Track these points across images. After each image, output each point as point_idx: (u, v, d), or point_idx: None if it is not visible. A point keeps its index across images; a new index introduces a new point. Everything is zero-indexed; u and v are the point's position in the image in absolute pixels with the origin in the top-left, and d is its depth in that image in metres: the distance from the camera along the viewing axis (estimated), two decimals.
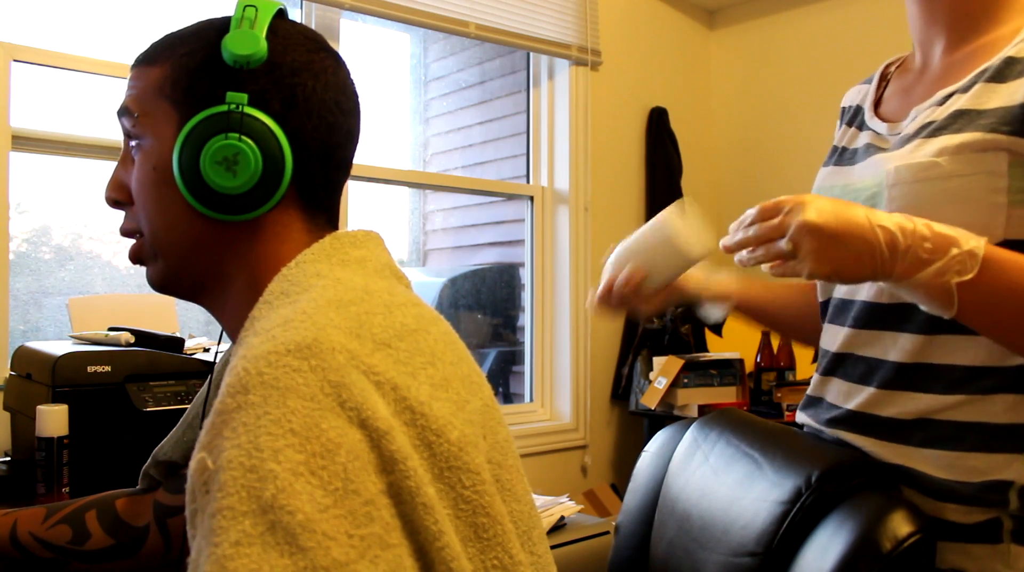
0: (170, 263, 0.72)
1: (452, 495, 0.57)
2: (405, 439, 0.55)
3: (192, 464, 0.53)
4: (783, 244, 0.79)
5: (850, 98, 1.12)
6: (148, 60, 0.72)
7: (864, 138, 1.02)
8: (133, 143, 0.72)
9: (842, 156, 1.05)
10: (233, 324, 0.71)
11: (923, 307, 0.82)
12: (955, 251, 0.76)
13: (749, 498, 0.95)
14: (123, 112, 0.72)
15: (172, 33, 0.73)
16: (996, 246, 0.80)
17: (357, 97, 0.75)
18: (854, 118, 1.07)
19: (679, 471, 1.08)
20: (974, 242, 0.76)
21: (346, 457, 0.52)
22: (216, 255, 0.70)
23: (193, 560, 0.51)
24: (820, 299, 1.07)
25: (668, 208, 0.99)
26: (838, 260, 0.77)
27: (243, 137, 0.66)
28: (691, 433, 1.10)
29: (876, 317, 0.95)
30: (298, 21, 0.72)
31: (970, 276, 0.75)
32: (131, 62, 0.75)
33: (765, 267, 0.83)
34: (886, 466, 0.92)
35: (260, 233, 0.70)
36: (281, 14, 0.72)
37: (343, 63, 0.74)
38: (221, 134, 0.66)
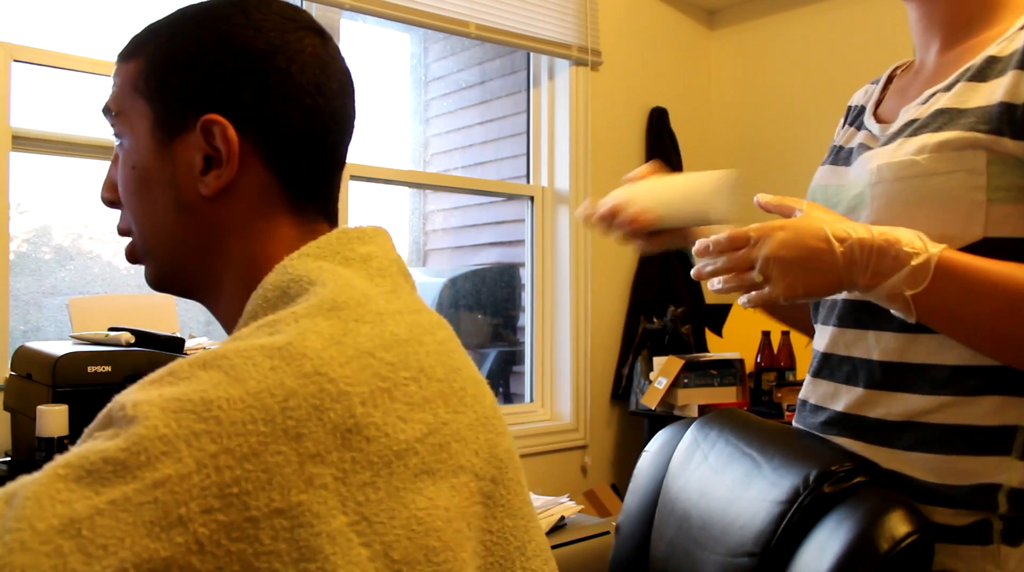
0: (160, 262, 0.71)
1: (405, 513, 0.54)
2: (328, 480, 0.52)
3: (119, 396, 0.52)
4: (754, 275, 0.86)
5: (857, 98, 1.12)
6: (125, 55, 0.69)
7: (859, 138, 1.03)
8: (117, 142, 0.70)
9: (838, 155, 1.06)
10: (228, 321, 0.69)
11: (891, 310, 0.86)
12: (908, 266, 0.81)
13: (747, 498, 0.95)
14: (105, 111, 0.70)
15: (150, 25, 0.69)
16: (970, 251, 0.83)
17: (345, 77, 0.70)
18: (856, 118, 1.08)
19: (679, 471, 1.08)
20: (924, 257, 0.81)
21: (255, 466, 0.49)
22: (203, 254, 0.68)
23: (68, 475, 0.49)
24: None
25: (720, 171, 1.00)
26: (807, 284, 0.84)
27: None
28: (691, 433, 1.10)
29: (858, 315, 0.95)
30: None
31: (921, 288, 0.81)
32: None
33: (742, 299, 0.89)
34: (878, 469, 0.92)
35: (245, 230, 0.67)
36: None
37: (328, 42, 0.69)
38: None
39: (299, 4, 2.28)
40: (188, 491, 0.48)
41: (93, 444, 0.50)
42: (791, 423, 1.08)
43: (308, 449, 0.51)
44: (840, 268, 0.83)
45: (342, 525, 0.51)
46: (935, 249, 0.81)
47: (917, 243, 0.82)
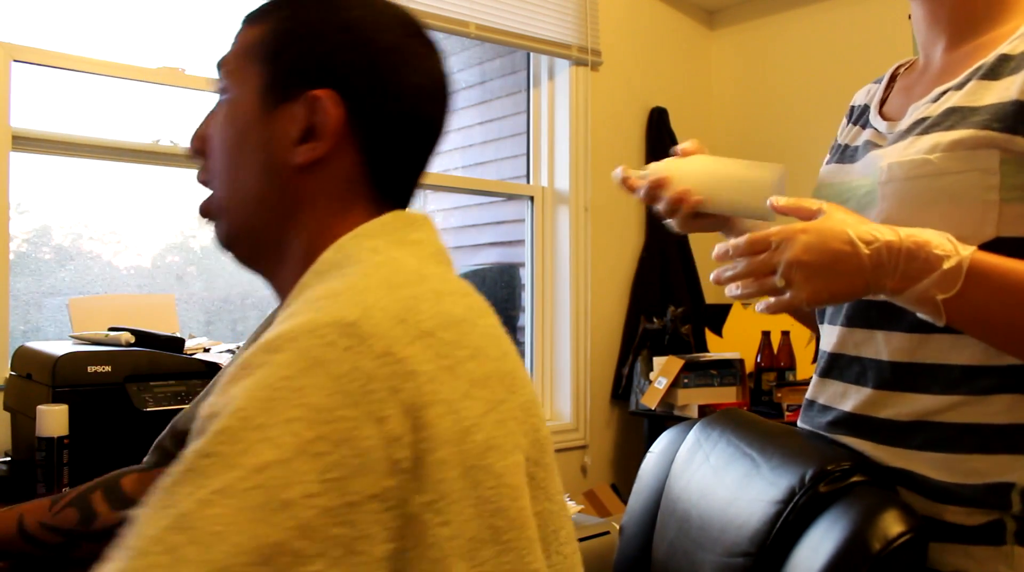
0: (234, 221, 0.72)
1: (474, 494, 0.55)
2: (427, 429, 0.54)
3: (203, 409, 0.52)
4: (776, 280, 0.83)
5: (859, 97, 1.12)
6: (252, 19, 0.73)
7: (865, 135, 1.02)
8: (221, 96, 0.73)
9: (843, 153, 1.05)
10: (284, 291, 0.70)
11: (919, 314, 0.84)
12: (940, 270, 0.79)
13: (746, 498, 0.95)
14: (219, 64, 0.73)
15: None
16: (984, 251, 0.81)
17: (447, 90, 0.73)
18: (860, 117, 1.08)
19: (681, 471, 1.08)
20: (955, 260, 0.79)
21: (349, 451, 0.50)
22: (278, 219, 0.69)
23: (167, 487, 0.49)
24: None
25: (772, 164, 0.97)
26: (831, 288, 0.82)
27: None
28: (694, 433, 1.10)
29: (867, 315, 0.95)
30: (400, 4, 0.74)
31: (953, 292, 0.79)
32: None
33: (760, 305, 0.86)
34: (883, 468, 0.91)
35: (323, 207, 0.69)
36: None
37: (437, 53, 0.73)
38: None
39: None
40: (289, 476, 0.48)
41: (186, 451, 0.51)
42: (792, 423, 1.08)
43: (390, 432, 0.52)
44: (867, 271, 0.80)
45: (421, 506, 0.52)
46: (966, 251, 0.79)
47: (947, 246, 0.80)
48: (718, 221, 1.04)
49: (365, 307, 0.55)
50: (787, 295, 0.83)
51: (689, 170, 1.01)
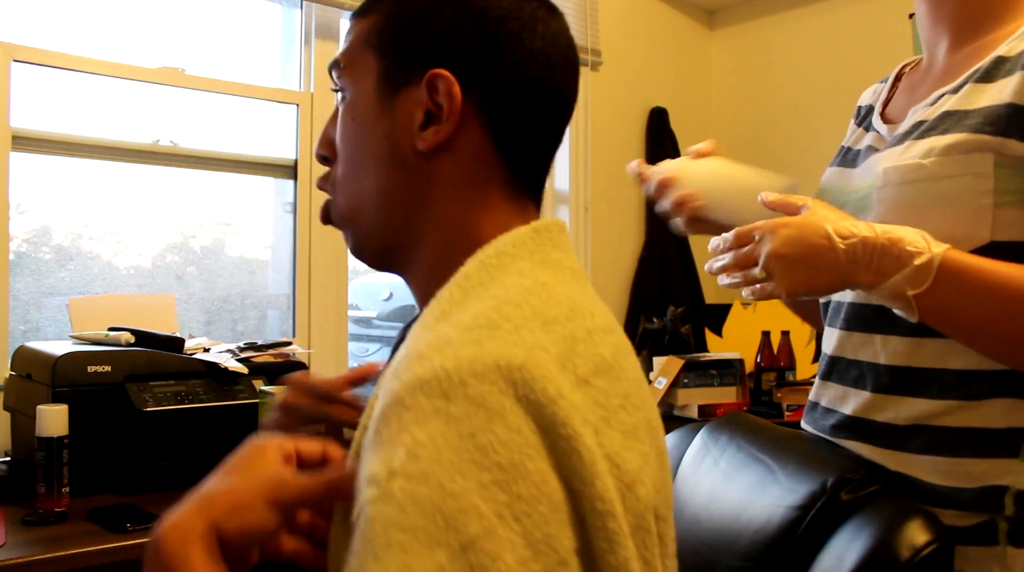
0: (363, 224, 0.69)
1: (639, 554, 0.53)
2: (606, 490, 0.51)
3: (372, 465, 0.48)
4: (757, 271, 0.86)
5: (865, 97, 1.11)
6: (361, 12, 0.70)
7: (867, 139, 1.02)
8: (339, 97, 0.70)
9: (846, 157, 1.05)
10: (425, 287, 0.66)
11: (894, 310, 0.86)
12: (911, 266, 0.81)
13: (762, 504, 0.93)
14: (333, 64, 0.70)
15: None
16: (978, 255, 0.82)
17: (572, 54, 0.69)
18: (864, 118, 1.07)
19: (688, 476, 1.07)
20: (927, 257, 0.80)
21: (547, 508, 0.47)
22: (409, 214, 0.66)
23: (355, 568, 0.46)
24: (820, 301, 1.07)
25: (781, 176, 0.98)
26: (808, 281, 0.84)
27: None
28: (700, 438, 1.09)
29: (864, 319, 0.95)
30: None
31: (924, 288, 0.80)
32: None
33: (746, 292, 0.88)
34: (885, 472, 0.91)
35: (457, 192, 0.65)
36: None
37: (558, 15, 0.68)
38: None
39: (299, 4, 2.28)
40: (497, 546, 0.46)
41: (372, 512, 0.47)
42: (792, 423, 1.08)
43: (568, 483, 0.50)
44: (842, 266, 0.83)
45: (608, 566, 0.50)
46: (938, 249, 0.81)
47: (920, 242, 0.81)
48: (722, 227, 1.04)
49: (527, 348, 0.52)
50: (768, 286, 0.86)
51: (698, 173, 1.01)
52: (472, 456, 0.47)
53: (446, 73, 0.63)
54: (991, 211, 0.84)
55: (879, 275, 0.82)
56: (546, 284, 0.60)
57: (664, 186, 1.02)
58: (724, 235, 0.90)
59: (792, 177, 0.98)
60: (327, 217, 0.73)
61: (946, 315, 0.82)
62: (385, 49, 0.66)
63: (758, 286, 0.87)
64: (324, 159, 0.73)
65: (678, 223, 1.05)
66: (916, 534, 0.81)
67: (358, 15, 0.70)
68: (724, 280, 0.90)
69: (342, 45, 0.71)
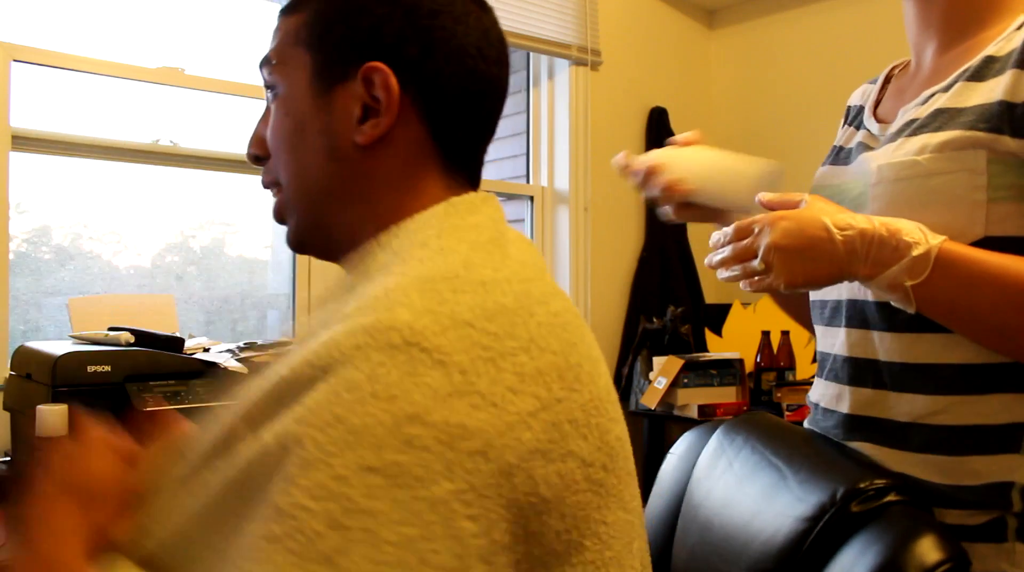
0: (304, 216, 0.70)
1: (509, 496, 0.52)
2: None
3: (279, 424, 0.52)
4: (756, 264, 0.87)
5: (855, 98, 1.12)
6: (290, 8, 0.70)
7: (859, 137, 1.03)
8: (270, 94, 0.70)
9: (838, 156, 1.06)
10: None
11: (891, 301, 0.86)
12: (909, 257, 0.82)
13: (772, 512, 0.91)
14: (263, 62, 0.71)
15: None
16: (960, 245, 0.83)
17: (503, 47, 0.71)
18: (855, 118, 1.08)
19: (703, 477, 1.05)
20: (924, 247, 0.82)
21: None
22: (349, 206, 0.67)
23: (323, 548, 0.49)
24: (812, 299, 1.07)
25: (765, 159, 0.99)
26: (807, 273, 0.85)
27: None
28: (717, 437, 1.07)
29: (862, 316, 0.95)
30: None
31: (921, 278, 0.81)
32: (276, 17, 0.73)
33: (744, 284, 0.89)
34: (916, 487, 0.89)
35: (395, 184, 0.66)
36: None
37: (488, 10, 0.70)
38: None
39: None
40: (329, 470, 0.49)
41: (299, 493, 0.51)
42: (794, 423, 1.08)
43: (403, 410, 0.50)
44: (841, 257, 0.83)
45: (445, 492, 0.50)
46: (935, 240, 0.82)
47: (917, 234, 0.82)
48: (710, 211, 1.06)
49: (389, 305, 0.54)
50: (768, 278, 0.86)
51: (683, 159, 1.03)
52: (321, 421, 0.51)
53: (382, 66, 0.64)
54: (985, 207, 0.85)
55: (877, 266, 0.83)
56: (445, 249, 0.61)
57: (651, 173, 1.04)
58: (724, 229, 0.91)
59: (777, 161, 0.99)
60: (279, 215, 0.73)
61: (944, 306, 0.83)
62: (317, 45, 0.67)
63: (756, 278, 0.88)
64: (256, 158, 0.73)
65: (667, 211, 1.07)
66: (928, 552, 0.77)
67: (286, 12, 0.71)
68: (723, 273, 0.91)
69: (272, 40, 0.71)
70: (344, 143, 0.66)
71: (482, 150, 0.72)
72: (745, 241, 0.88)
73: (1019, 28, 0.90)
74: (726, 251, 0.90)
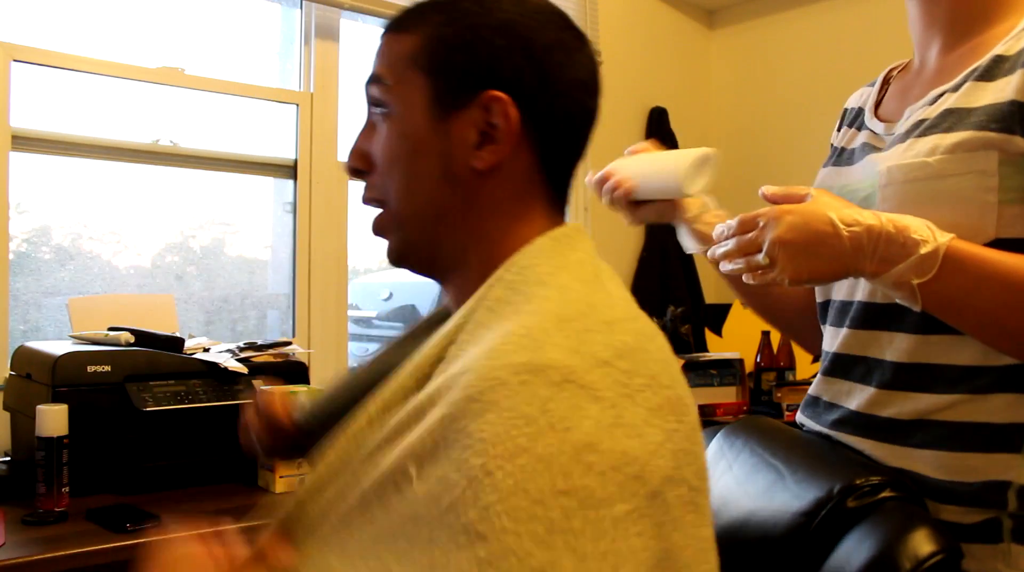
0: (410, 234, 0.72)
1: (656, 519, 0.57)
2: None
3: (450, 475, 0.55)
4: (760, 258, 0.86)
5: (853, 100, 1.12)
6: (398, 28, 0.72)
7: (862, 138, 1.03)
8: (379, 111, 0.72)
9: (840, 156, 1.06)
10: (464, 297, 0.70)
11: (896, 299, 0.86)
12: (916, 254, 0.81)
13: (770, 509, 0.92)
14: (374, 80, 0.72)
15: (425, 2, 0.72)
16: (967, 243, 0.82)
17: (599, 79, 0.74)
18: (855, 120, 1.08)
19: None
20: (932, 246, 0.81)
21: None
22: (458, 228, 0.70)
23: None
24: (819, 300, 1.07)
25: (693, 149, 1.05)
26: (811, 268, 0.84)
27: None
28: (717, 441, 1.08)
29: (872, 317, 0.95)
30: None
31: (929, 276, 0.81)
32: (384, 28, 0.75)
33: (747, 277, 0.89)
34: (913, 482, 0.90)
35: (504, 210, 0.69)
36: None
37: (588, 42, 0.73)
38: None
39: (299, 4, 2.28)
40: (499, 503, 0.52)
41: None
42: (791, 423, 1.08)
43: (579, 439, 0.55)
44: (847, 253, 0.82)
45: (622, 512, 0.55)
46: (943, 238, 0.81)
47: (925, 231, 0.81)
48: (660, 207, 1.11)
49: (538, 345, 0.57)
50: (772, 272, 0.86)
51: (628, 162, 1.12)
52: (499, 451, 0.55)
53: (503, 95, 0.67)
54: (996, 208, 0.85)
55: (884, 263, 0.82)
56: (564, 286, 0.64)
57: (602, 181, 1.11)
58: (728, 222, 0.90)
59: (711, 149, 1.04)
60: (380, 229, 0.75)
61: (950, 305, 0.83)
62: (436, 71, 0.68)
63: (760, 272, 0.87)
64: (358, 172, 0.74)
65: (624, 216, 1.13)
66: (921, 544, 0.79)
67: (394, 30, 0.72)
68: (726, 266, 0.90)
69: (375, 59, 0.73)
70: (460, 167, 0.68)
71: (574, 176, 0.75)
72: (750, 234, 0.87)
73: None
74: (730, 244, 0.89)
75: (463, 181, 0.69)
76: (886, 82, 1.09)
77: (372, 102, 0.73)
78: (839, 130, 1.11)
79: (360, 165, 0.73)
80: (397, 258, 0.74)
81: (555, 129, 0.69)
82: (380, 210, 0.74)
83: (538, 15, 0.70)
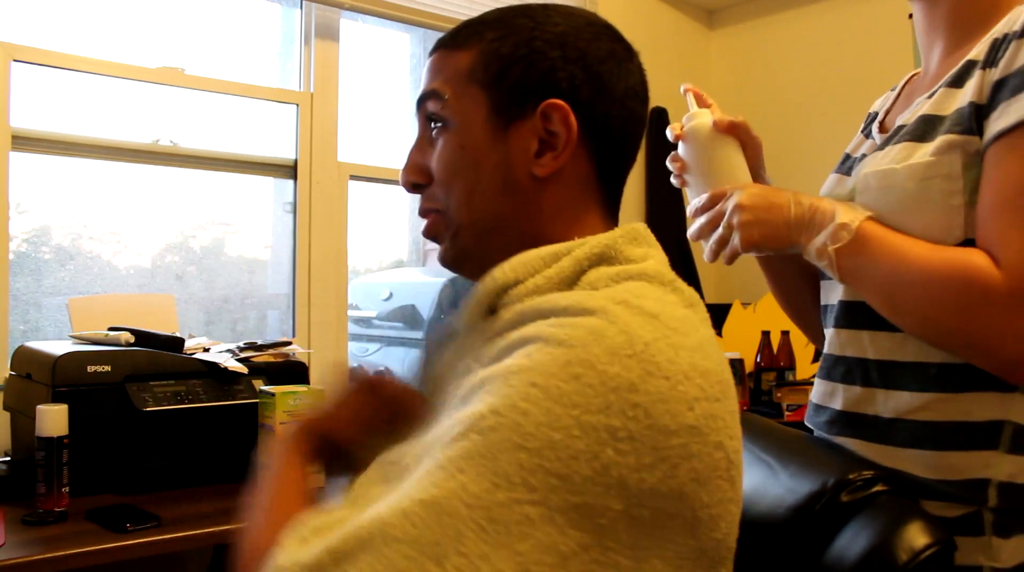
0: (468, 241, 0.74)
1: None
2: None
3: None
4: (722, 229, 0.94)
5: (876, 105, 1.13)
6: (454, 44, 0.74)
7: (864, 147, 1.05)
8: (437, 125, 0.74)
9: (843, 164, 1.08)
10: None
11: (822, 268, 0.92)
12: (833, 223, 0.89)
13: (762, 505, 0.93)
14: (431, 95, 0.74)
15: (476, 19, 0.75)
16: (884, 226, 0.89)
17: (647, 87, 0.77)
18: (867, 126, 1.09)
19: None
20: (850, 217, 0.89)
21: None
22: (516, 234, 0.72)
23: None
24: (822, 303, 1.08)
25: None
26: (763, 234, 0.92)
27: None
28: None
29: (853, 316, 0.97)
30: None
31: (841, 244, 0.88)
32: (434, 45, 0.77)
33: (717, 254, 0.95)
34: (901, 480, 0.91)
35: (562, 216, 0.72)
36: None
37: (635, 53, 0.76)
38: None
39: (299, 4, 2.28)
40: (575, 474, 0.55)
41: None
42: (792, 423, 1.09)
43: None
44: (791, 224, 0.91)
45: (599, 422, 0.57)
46: (863, 215, 0.89)
47: (851, 213, 0.89)
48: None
49: (653, 337, 0.60)
50: (734, 240, 0.93)
51: (690, 141, 1.08)
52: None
53: (562, 103, 0.69)
54: (963, 211, 0.86)
55: (810, 234, 0.90)
56: (631, 289, 0.67)
57: (677, 138, 1.09)
58: (701, 196, 0.98)
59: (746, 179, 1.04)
60: (433, 234, 0.76)
61: (859, 275, 0.89)
62: (494, 85, 0.71)
63: (728, 247, 0.93)
64: (415, 187, 0.76)
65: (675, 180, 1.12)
66: (915, 537, 0.81)
67: (448, 46, 0.74)
68: (707, 255, 0.97)
69: (429, 75, 0.75)
70: (520, 175, 0.71)
71: (625, 182, 0.77)
72: (718, 205, 0.95)
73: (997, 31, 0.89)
74: (702, 219, 0.96)
75: (523, 189, 0.71)
76: (904, 87, 1.09)
77: (429, 117, 0.75)
78: (858, 135, 1.11)
79: (419, 178, 0.75)
80: (453, 263, 0.76)
81: (610, 136, 0.72)
82: (430, 218, 0.76)
83: (590, 27, 0.73)
